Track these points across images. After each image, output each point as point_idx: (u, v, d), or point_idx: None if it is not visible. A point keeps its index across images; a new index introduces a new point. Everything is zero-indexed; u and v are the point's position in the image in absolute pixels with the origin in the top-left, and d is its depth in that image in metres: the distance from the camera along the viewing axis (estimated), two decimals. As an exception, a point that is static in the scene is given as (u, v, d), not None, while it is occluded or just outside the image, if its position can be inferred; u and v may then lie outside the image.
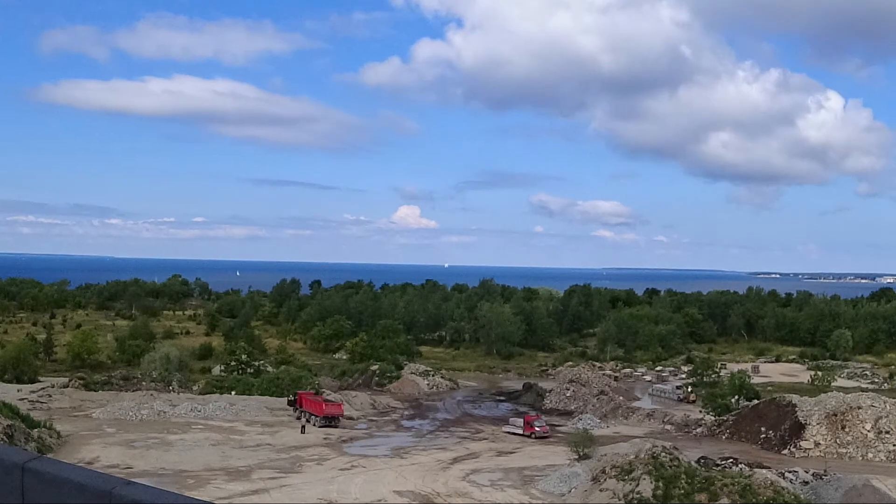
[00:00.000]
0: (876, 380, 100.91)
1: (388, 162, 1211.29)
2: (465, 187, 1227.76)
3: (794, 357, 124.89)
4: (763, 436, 63.53)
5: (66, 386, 79.24)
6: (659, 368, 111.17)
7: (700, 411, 74.68)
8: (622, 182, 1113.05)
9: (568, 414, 77.02)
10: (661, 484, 42.62)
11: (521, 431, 65.54)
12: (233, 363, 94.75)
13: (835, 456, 58.24)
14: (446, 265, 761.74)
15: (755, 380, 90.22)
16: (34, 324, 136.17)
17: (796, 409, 63.39)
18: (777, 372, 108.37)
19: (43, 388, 76.79)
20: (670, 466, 44.18)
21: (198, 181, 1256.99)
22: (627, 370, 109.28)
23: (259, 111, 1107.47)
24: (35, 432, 52.79)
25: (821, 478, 47.65)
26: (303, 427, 63.74)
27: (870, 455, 58.52)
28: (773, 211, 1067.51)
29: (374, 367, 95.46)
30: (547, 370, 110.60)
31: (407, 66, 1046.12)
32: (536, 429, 65.34)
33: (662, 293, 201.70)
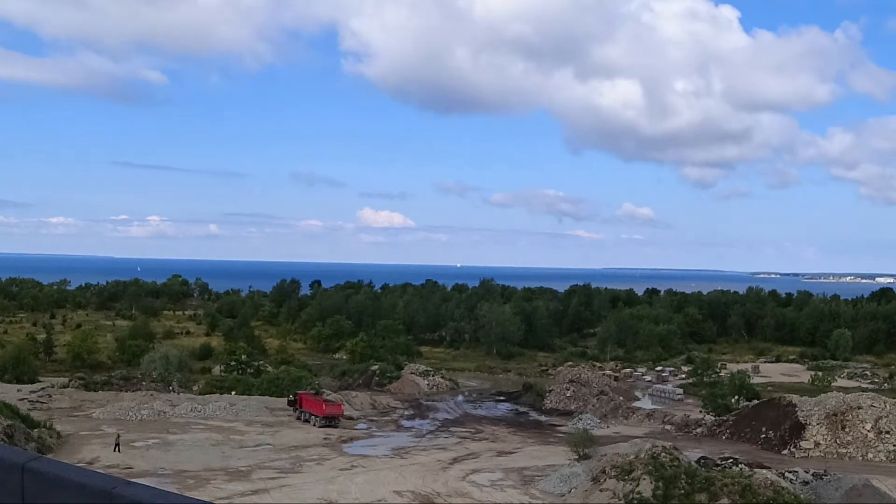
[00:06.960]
0: (876, 380, 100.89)
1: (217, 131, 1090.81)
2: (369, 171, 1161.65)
3: (794, 357, 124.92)
4: (763, 436, 63.49)
5: (66, 386, 79.14)
6: (659, 368, 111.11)
7: (700, 411, 74.70)
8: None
9: (568, 414, 76.98)
10: (661, 484, 42.58)
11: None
12: (233, 363, 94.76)
13: (835, 456, 58.22)
14: (459, 265, 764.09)
15: (755, 380, 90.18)
16: (34, 324, 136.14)
17: (796, 409, 63.36)
18: (777, 372, 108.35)
19: (43, 388, 76.70)
20: (670, 466, 44.12)
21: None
22: (627, 370, 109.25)
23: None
24: (35, 432, 52.72)
25: (821, 478, 47.61)
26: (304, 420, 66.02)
27: (870, 455, 58.47)
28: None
29: (374, 367, 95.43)
30: (547, 370, 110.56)
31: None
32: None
33: (662, 293, 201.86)
